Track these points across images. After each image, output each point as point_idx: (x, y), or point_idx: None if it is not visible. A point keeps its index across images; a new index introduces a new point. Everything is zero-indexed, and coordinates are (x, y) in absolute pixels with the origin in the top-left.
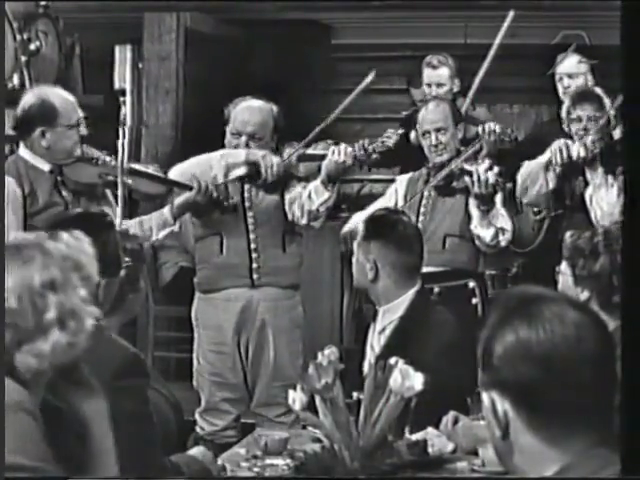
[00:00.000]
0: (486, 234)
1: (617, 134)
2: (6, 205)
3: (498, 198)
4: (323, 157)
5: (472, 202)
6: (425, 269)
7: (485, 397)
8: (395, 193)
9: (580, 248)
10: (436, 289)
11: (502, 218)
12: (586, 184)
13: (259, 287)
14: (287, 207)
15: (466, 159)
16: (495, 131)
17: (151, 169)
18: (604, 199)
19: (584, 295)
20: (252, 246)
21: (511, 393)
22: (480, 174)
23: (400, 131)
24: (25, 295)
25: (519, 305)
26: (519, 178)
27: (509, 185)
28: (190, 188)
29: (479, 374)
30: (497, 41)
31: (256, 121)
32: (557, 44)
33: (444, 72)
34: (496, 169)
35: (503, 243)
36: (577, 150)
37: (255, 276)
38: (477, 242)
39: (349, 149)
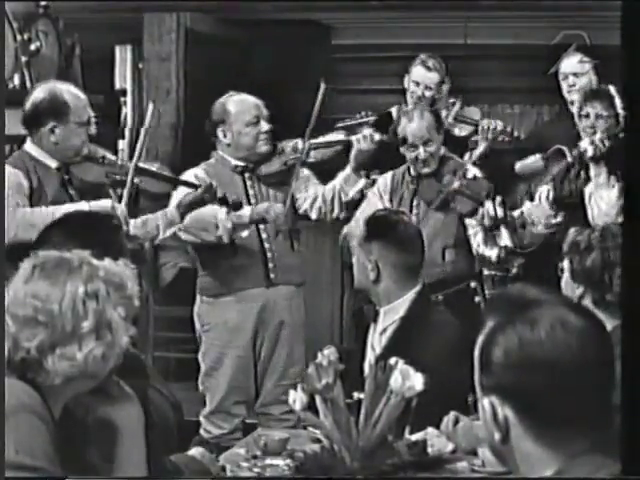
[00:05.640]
0: (491, 254)
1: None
2: (10, 195)
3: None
4: (339, 143)
5: (476, 226)
6: (427, 281)
7: (485, 402)
8: (379, 191)
9: (577, 243)
10: (440, 297)
11: (505, 235)
12: (587, 180)
13: (276, 286)
14: (307, 206)
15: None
16: (495, 129)
17: (155, 167)
18: (604, 198)
19: (579, 291)
20: (266, 245)
21: (513, 399)
22: (489, 210)
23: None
24: (67, 300)
25: (519, 309)
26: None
27: (515, 215)
28: (197, 187)
29: (477, 378)
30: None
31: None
32: (557, 44)
33: (435, 77)
34: (499, 199)
35: (504, 256)
36: (584, 147)
37: (272, 275)
38: (480, 260)
39: (376, 135)
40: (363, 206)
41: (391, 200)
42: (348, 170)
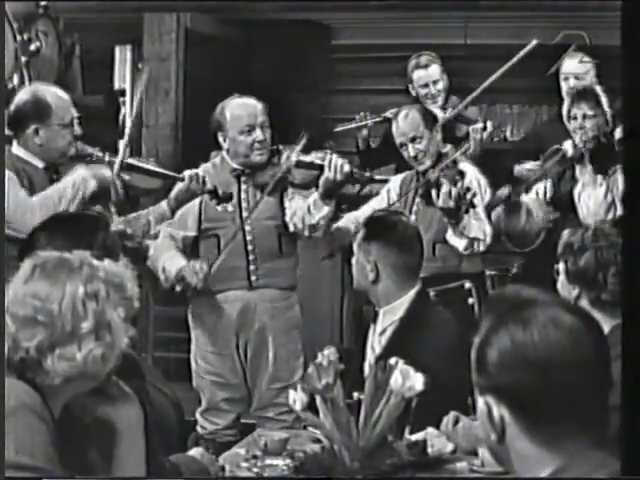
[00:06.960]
0: (459, 244)
1: (617, 134)
2: (7, 192)
3: (479, 207)
4: (319, 166)
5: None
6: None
7: (480, 401)
8: (387, 194)
9: (571, 244)
10: (432, 293)
11: (475, 226)
12: (576, 181)
13: (257, 289)
14: (288, 218)
15: (447, 166)
16: (485, 129)
17: (147, 163)
18: (591, 198)
19: (575, 292)
20: (249, 248)
21: (508, 399)
22: (442, 188)
23: (376, 119)
24: (67, 301)
25: (512, 309)
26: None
27: (476, 199)
28: (182, 179)
29: (473, 378)
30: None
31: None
32: (557, 44)
33: (436, 69)
34: (465, 183)
35: (481, 248)
36: (566, 148)
37: (253, 278)
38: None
39: (346, 167)
40: (371, 203)
41: (399, 200)
42: (316, 195)
